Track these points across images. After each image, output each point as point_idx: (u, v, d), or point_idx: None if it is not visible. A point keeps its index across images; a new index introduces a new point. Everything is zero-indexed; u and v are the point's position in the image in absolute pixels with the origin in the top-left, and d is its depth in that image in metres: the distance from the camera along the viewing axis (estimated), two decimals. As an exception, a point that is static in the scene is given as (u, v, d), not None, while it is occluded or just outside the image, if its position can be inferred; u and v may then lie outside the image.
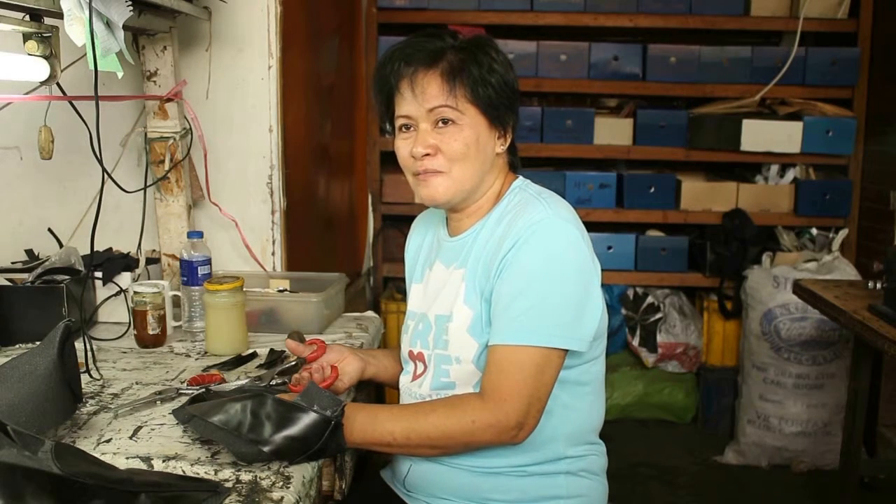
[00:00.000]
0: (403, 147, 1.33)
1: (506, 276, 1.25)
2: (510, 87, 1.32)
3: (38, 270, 1.79)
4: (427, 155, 1.29)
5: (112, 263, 1.87)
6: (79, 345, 1.35)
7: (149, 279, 1.92)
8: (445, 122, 1.29)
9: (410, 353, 1.42)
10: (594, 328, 1.28)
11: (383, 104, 1.36)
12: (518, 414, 1.20)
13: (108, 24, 1.40)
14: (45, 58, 1.47)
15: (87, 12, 1.33)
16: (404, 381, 1.43)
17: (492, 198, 1.36)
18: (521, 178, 1.40)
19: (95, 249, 1.46)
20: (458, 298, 1.33)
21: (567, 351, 1.25)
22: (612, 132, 3.44)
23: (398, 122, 1.34)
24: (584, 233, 1.29)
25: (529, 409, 1.21)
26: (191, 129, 1.98)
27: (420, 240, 1.52)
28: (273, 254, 2.11)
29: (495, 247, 1.29)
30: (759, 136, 3.28)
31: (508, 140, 1.36)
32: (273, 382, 1.41)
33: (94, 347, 1.59)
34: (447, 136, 1.29)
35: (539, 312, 1.22)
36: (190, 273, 1.81)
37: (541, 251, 1.24)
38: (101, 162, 1.47)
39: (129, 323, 1.79)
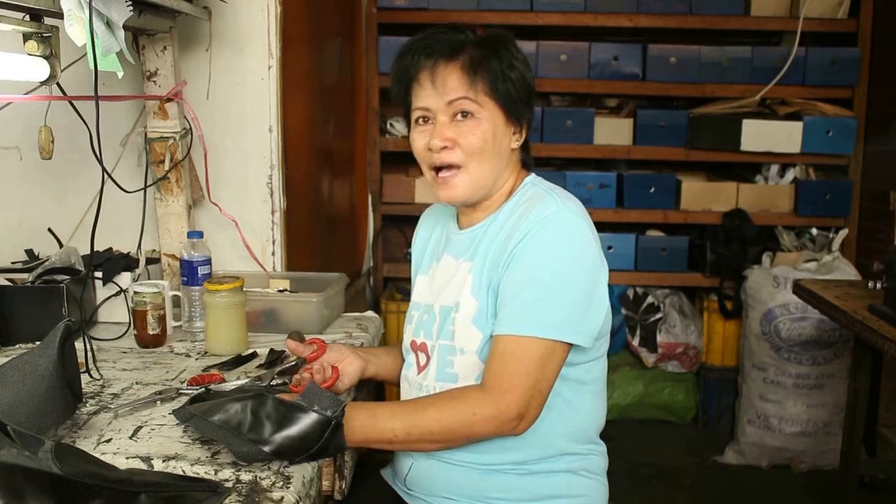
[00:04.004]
0: (420, 139, 1.32)
1: (514, 268, 1.25)
2: (528, 84, 1.33)
3: (38, 270, 1.79)
4: (444, 148, 1.29)
5: (112, 263, 1.87)
6: (79, 345, 1.35)
7: (149, 279, 1.92)
8: (465, 115, 1.29)
9: (413, 343, 1.42)
10: (599, 324, 1.28)
11: (400, 96, 1.36)
12: (519, 405, 1.20)
13: (109, 24, 1.40)
14: (45, 58, 1.47)
15: (87, 12, 1.33)
16: (408, 374, 1.43)
17: (504, 193, 1.36)
18: (533, 174, 1.40)
19: (95, 249, 1.46)
20: (465, 289, 1.33)
21: (571, 346, 1.25)
22: (612, 132, 3.44)
23: (415, 115, 1.33)
24: (594, 230, 1.30)
25: (531, 401, 1.21)
26: (191, 129, 1.98)
27: (428, 233, 1.52)
28: (273, 254, 2.11)
29: (505, 239, 1.29)
30: (759, 136, 3.28)
31: (523, 136, 1.36)
32: (273, 382, 1.41)
33: (94, 347, 1.59)
34: (465, 130, 1.29)
35: (545, 305, 1.22)
36: (190, 273, 1.81)
37: (550, 244, 1.24)
38: (101, 162, 1.47)
39: (129, 323, 1.79)
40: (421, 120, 1.33)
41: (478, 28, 1.35)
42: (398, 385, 1.49)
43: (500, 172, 1.34)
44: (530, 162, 1.42)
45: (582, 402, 1.34)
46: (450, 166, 1.30)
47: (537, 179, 1.38)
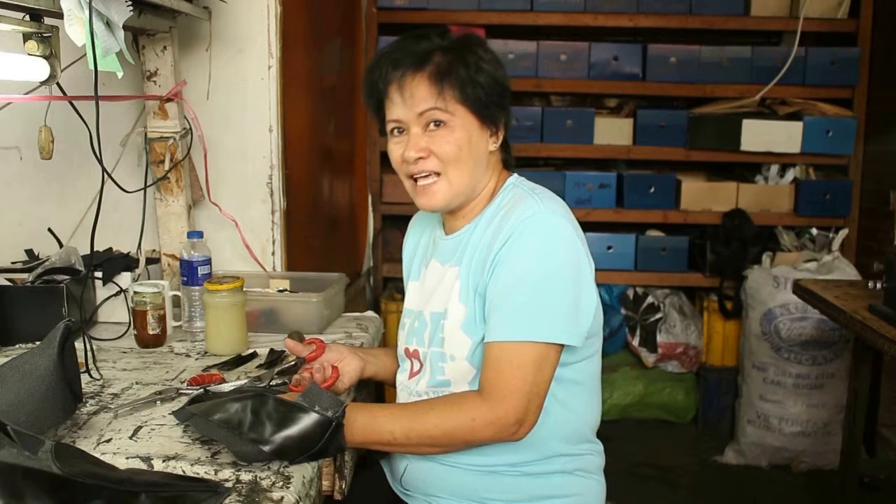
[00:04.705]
0: (396, 150, 1.33)
1: (499, 272, 1.25)
2: (500, 85, 1.32)
3: (38, 270, 1.79)
4: (420, 158, 1.29)
5: (112, 263, 1.87)
6: (79, 345, 1.35)
7: (149, 279, 1.92)
8: (437, 124, 1.29)
9: (406, 350, 1.42)
10: (589, 322, 1.28)
11: (374, 109, 1.36)
12: (517, 411, 1.20)
13: (108, 24, 1.40)
14: (45, 58, 1.47)
15: (87, 12, 1.33)
16: (401, 378, 1.44)
17: (486, 196, 1.36)
18: (515, 175, 1.40)
19: (95, 249, 1.46)
20: (453, 296, 1.33)
21: (563, 346, 1.25)
22: (612, 132, 3.44)
23: (389, 126, 1.34)
24: (578, 228, 1.29)
25: (529, 405, 1.21)
26: (191, 129, 1.98)
27: (417, 238, 1.53)
28: (273, 254, 2.11)
29: (489, 243, 1.29)
30: (759, 136, 3.28)
31: (501, 137, 1.36)
32: (273, 382, 1.41)
33: (94, 347, 1.59)
34: (438, 139, 1.29)
35: (534, 308, 1.22)
36: (190, 273, 1.81)
37: (532, 246, 1.24)
38: (101, 162, 1.47)
39: (129, 323, 1.79)
40: (396, 131, 1.33)
41: (451, 28, 1.34)
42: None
43: (480, 177, 1.34)
44: (511, 161, 1.41)
45: (576, 402, 1.34)
46: (428, 173, 1.30)
47: (519, 180, 1.38)
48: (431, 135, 1.29)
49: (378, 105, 1.34)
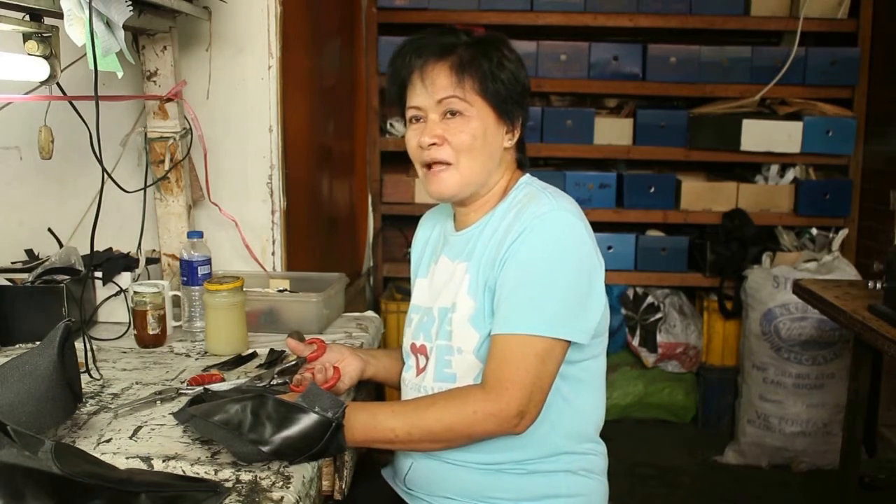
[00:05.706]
0: (413, 138, 1.34)
1: (509, 266, 1.26)
2: (521, 84, 1.34)
3: (38, 270, 1.79)
4: (434, 144, 1.31)
5: (112, 263, 1.87)
6: (79, 345, 1.35)
7: (149, 279, 1.92)
8: (453, 113, 1.30)
9: (413, 346, 1.42)
10: (596, 321, 1.29)
11: (396, 96, 1.38)
12: (519, 403, 1.20)
13: (108, 24, 1.40)
14: (45, 58, 1.47)
15: (87, 12, 1.33)
16: (407, 376, 1.43)
17: (498, 193, 1.37)
18: (528, 174, 1.40)
19: (95, 249, 1.46)
20: (462, 290, 1.33)
21: (569, 343, 1.25)
22: (612, 132, 3.44)
23: (409, 114, 1.36)
24: (588, 227, 1.31)
25: (531, 397, 1.21)
26: (191, 129, 1.98)
27: (427, 235, 1.53)
28: (273, 254, 2.11)
29: (500, 239, 1.30)
30: (759, 136, 3.28)
31: (516, 136, 1.37)
32: (273, 382, 1.41)
33: (94, 347, 1.59)
34: (454, 127, 1.30)
35: (542, 302, 1.23)
36: (190, 273, 1.81)
37: (544, 242, 1.25)
38: (101, 162, 1.47)
39: (129, 323, 1.79)
40: (414, 119, 1.35)
41: (476, 28, 1.35)
42: (397, 388, 1.49)
43: (492, 171, 1.35)
44: (525, 162, 1.42)
45: (581, 401, 1.34)
46: (440, 163, 1.32)
47: (532, 179, 1.39)
48: (447, 123, 1.31)
49: (400, 93, 1.36)
